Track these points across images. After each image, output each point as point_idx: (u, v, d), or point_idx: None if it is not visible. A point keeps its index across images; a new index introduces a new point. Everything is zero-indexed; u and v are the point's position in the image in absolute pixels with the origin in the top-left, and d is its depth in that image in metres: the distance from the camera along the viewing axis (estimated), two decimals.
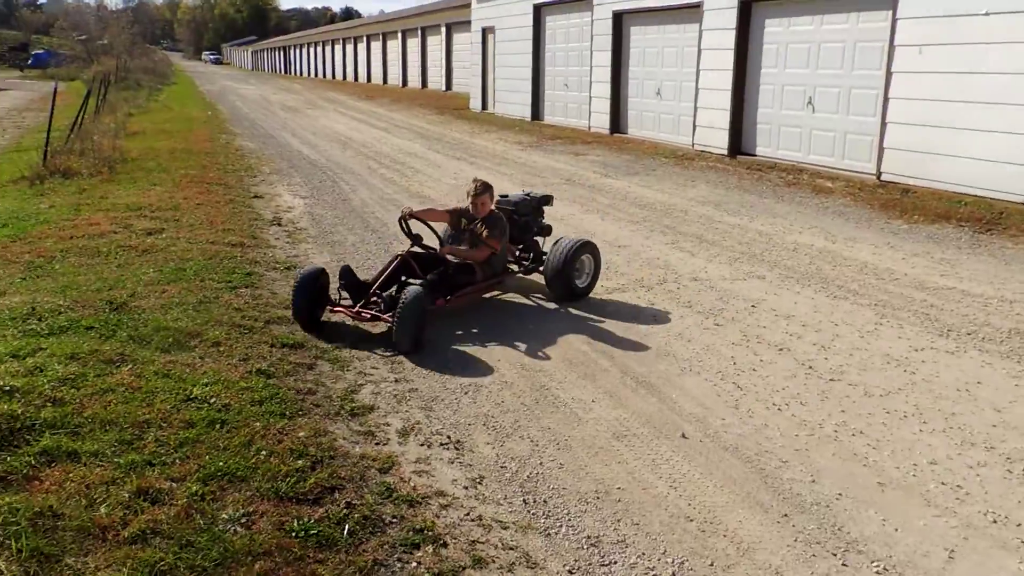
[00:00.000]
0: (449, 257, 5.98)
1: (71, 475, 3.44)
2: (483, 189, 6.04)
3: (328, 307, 5.58)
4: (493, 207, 6.25)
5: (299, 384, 4.62)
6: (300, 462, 3.70)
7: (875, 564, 3.11)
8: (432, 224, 6.17)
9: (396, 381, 4.82)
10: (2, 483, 3.35)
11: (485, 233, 6.05)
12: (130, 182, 11.29)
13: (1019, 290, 6.37)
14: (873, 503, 3.54)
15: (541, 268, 6.51)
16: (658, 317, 6.09)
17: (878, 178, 11.18)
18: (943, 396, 4.63)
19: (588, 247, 6.42)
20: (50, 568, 2.86)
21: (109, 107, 21.92)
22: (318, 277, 5.50)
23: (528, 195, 6.77)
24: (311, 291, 5.45)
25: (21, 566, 2.83)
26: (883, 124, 11.07)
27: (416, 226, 6.04)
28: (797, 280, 6.96)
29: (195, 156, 14.14)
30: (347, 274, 5.63)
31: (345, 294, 5.59)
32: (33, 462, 3.51)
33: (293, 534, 3.15)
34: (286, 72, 73.65)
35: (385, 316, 5.29)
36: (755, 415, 4.42)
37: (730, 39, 13.70)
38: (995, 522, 3.38)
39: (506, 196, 6.79)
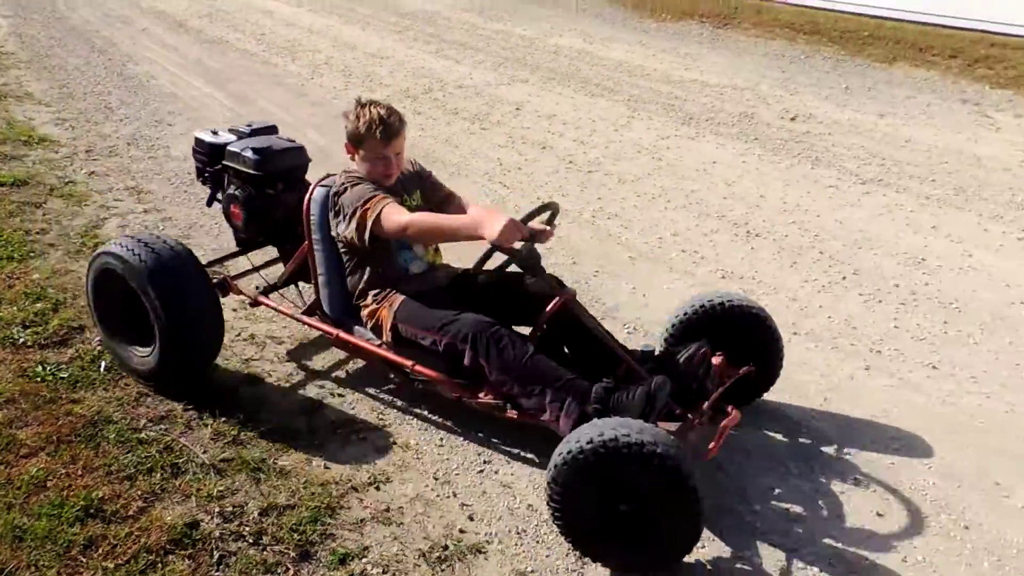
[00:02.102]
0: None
1: None
2: (403, 124, 2.70)
3: None
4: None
5: (27, 225, 4.09)
6: (39, 305, 3.34)
7: (627, 326, 3.46)
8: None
9: (146, 211, 4.42)
10: None
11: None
12: None
13: (748, 78, 6.95)
14: (625, 275, 3.89)
15: None
16: (425, 126, 5.99)
17: None
18: (685, 177, 5.07)
19: None
20: None
21: None
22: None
23: (252, 127, 3.27)
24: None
25: None
26: None
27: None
28: (558, 81, 7.10)
29: None
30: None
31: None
32: None
33: (39, 379, 2.89)
34: None
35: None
36: (520, 210, 4.59)
37: None
38: (723, 277, 3.86)
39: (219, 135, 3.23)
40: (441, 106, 6.44)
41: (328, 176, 2.84)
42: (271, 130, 3.29)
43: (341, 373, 3.10)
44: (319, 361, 3.17)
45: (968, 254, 3.98)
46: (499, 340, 2.48)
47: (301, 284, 3.26)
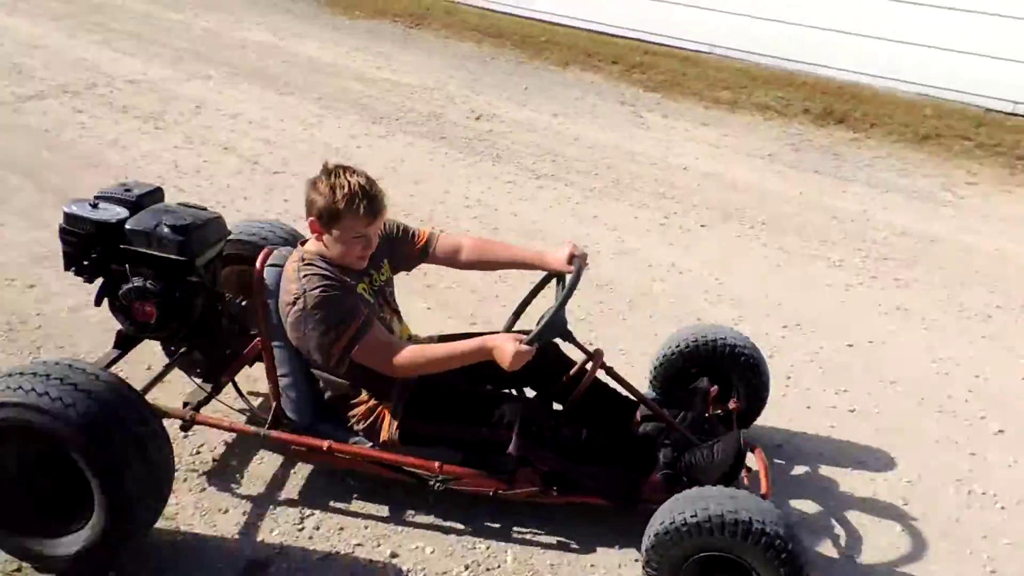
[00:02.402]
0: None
1: None
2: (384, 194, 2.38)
3: None
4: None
5: None
6: None
7: None
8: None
9: None
10: None
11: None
12: None
13: (438, 78, 7.16)
14: None
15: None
16: (87, 125, 5.38)
17: None
18: (375, 175, 5.06)
19: None
20: None
21: None
22: None
23: (131, 191, 2.54)
24: None
25: None
26: None
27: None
28: (245, 78, 6.76)
29: None
30: None
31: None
32: None
33: None
34: None
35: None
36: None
37: None
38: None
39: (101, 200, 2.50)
40: (108, 103, 5.82)
41: (273, 250, 2.36)
42: (157, 193, 2.56)
43: None
44: None
45: (621, 239, 4.45)
46: (551, 423, 2.34)
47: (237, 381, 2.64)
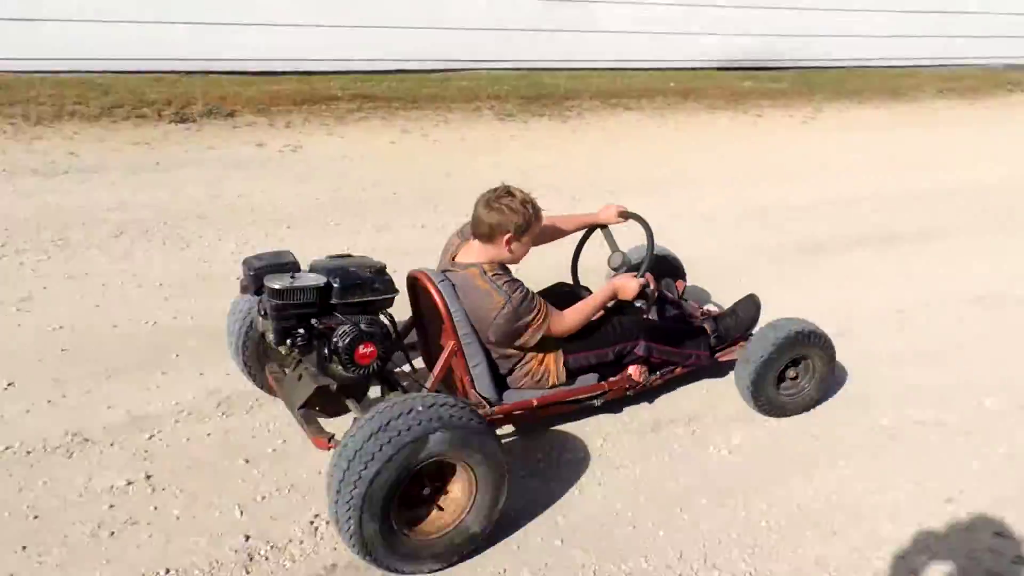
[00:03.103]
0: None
1: None
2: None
3: None
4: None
5: None
6: None
7: None
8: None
9: None
10: None
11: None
12: None
13: None
14: None
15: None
16: None
17: None
18: None
19: None
20: None
21: None
22: None
23: (288, 260, 2.70)
24: None
25: None
26: None
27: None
28: None
29: None
30: None
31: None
32: None
33: None
34: None
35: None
36: None
37: None
38: None
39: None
40: None
41: (425, 269, 2.71)
42: (291, 254, 2.68)
43: None
44: None
45: None
46: (661, 326, 3.09)
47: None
